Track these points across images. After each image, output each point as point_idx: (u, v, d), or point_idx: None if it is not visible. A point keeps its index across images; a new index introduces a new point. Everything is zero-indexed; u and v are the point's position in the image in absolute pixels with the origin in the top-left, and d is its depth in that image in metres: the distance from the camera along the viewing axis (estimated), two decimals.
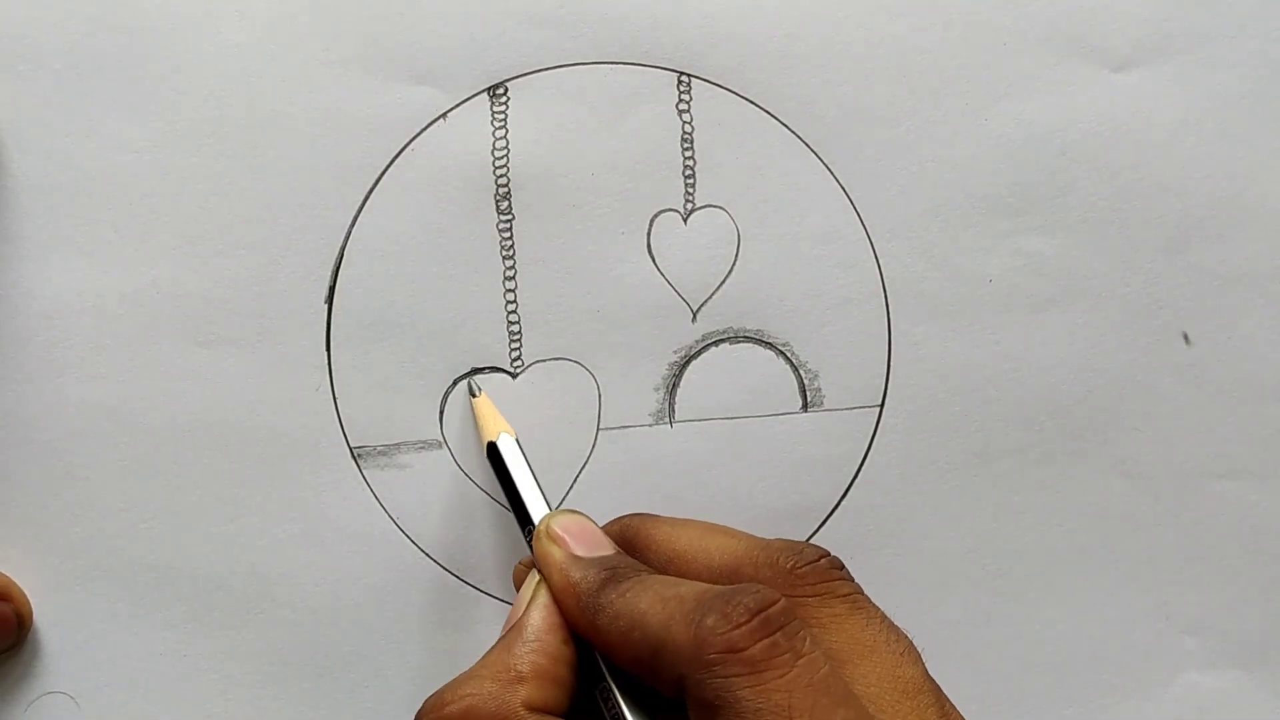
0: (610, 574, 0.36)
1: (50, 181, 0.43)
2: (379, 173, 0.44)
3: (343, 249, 0.44)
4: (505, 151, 0.44)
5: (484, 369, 0.45)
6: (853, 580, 0.36)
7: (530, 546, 0.39)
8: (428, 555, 0.44)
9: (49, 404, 0.43)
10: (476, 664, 0.36)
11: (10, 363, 0.43)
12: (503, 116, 0.44)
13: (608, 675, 0.36)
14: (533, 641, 0.36)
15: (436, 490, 0.44)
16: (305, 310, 0.44)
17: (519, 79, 0.44)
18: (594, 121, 0.45)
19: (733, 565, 0.37)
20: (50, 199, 0.43)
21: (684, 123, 0.45)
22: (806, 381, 0.45)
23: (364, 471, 0.44)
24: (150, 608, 0.44)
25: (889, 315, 0.46)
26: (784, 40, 0.45)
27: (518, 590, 0.39)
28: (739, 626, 0.32)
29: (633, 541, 0.39)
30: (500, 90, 0.44)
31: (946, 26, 0.45)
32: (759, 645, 0.32)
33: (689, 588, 0.34)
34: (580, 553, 0.37)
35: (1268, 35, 0.46)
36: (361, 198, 0.44)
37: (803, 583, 0.35)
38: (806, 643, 0.32)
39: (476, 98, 0.44)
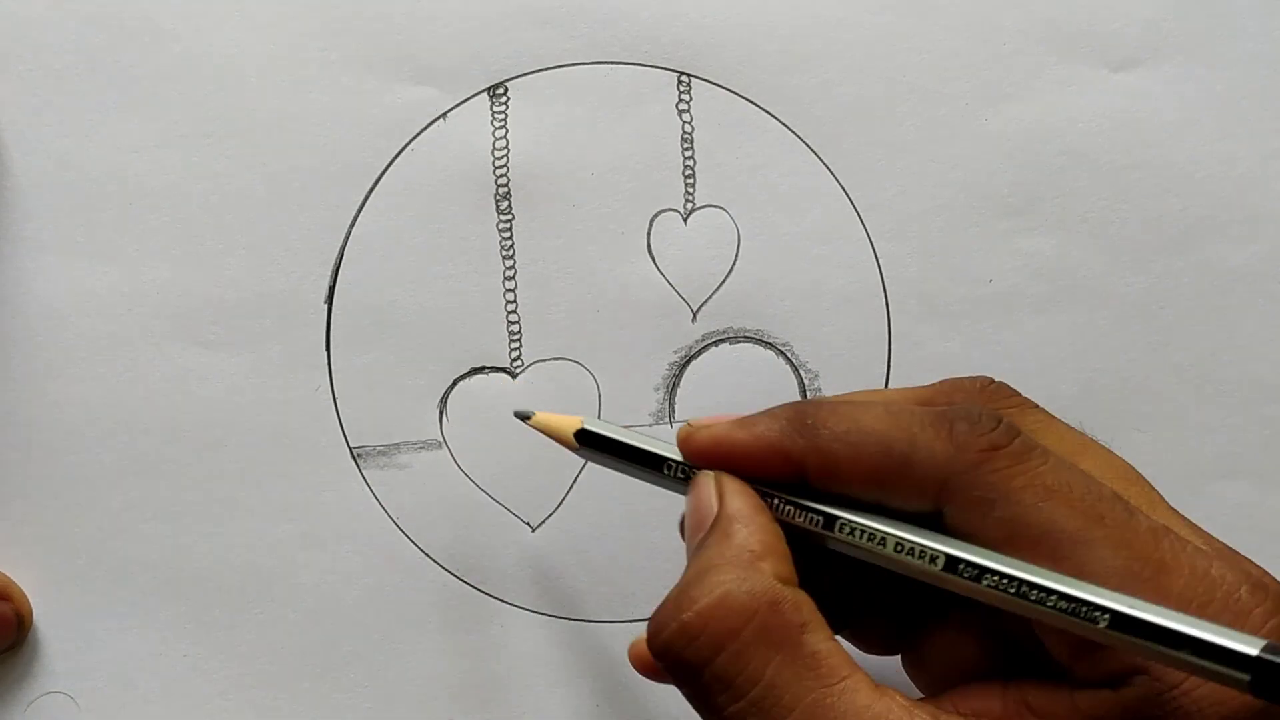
0: (798, 405, 0.35)
1: (50, 181, 0.43)
2: (379, 173, 0.44)
3: (343, 249, 0.44)
4: (505, 151, 0.44)
5: (484, 369, 0.45)
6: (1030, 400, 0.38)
7: (679, 476, 0.37)
8: (428, 555, 0.44)
9: (49, 404, 0.43)
10: (696, 562, 0.34)
11: (10, 363, 0.43)
12: (503, 116, 0.44)
13: (840, 511, 0.34)
14: (749, 522, 0.34)
15: (436, 490, 0.44)
16: (305, 310, 0.44)
17: (519, 79, 0.44)
18: (594, 121, 0.45)
19: (927, 402, 0.37)
20: (50, 199, 0.43)
21: (684, 123, 0.45)
22: (806, 381, 0.45)
23: (364, 471, 0.44)
24: (150, 608, 0.44)
25: (889, 315, 0.46)
26: (784, 40, 0.45)
27: (691, 516, 0.36)
28: (992, 430, 0.33)
29: (807, 422, 0.36)
30: (500, 90, 0.44)
31: (946, 26, 0.45)
32: (1016, 442, 0.33)
33: (914, 405, 0.35)
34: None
35: (1268, 35, 0.46)
36: (361, 198, 0.44)
37: (997, 399, 0.37)
38: (1044, 441, 0.34)
39: (476, 98, 0.44)
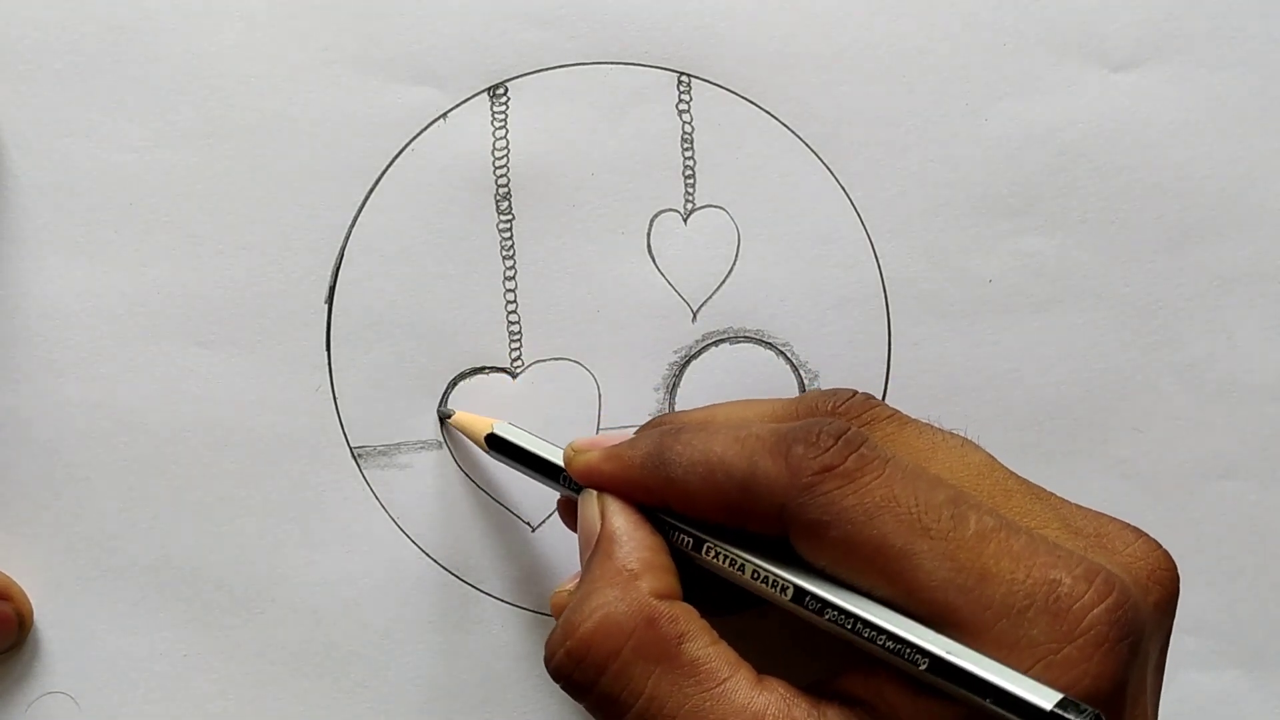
0: (661, 434, 0.37)
1: (50, 181, 0.43)
2: (379, 173, 0.44)
3: (343, 249, 0.44)
4: (505, 151, 0.44)
5: (484, 369, 0.45)
6: (888, 405, 0.38)
7: (572, 488, 0.39)
8: (428, 555, 0.44)
9: (49, 404, 0.43)
10: (582, 584, 0.36)
11: (10, 363, 0.43)
12: (503, 116, 0.44)
13: (699, 532, 0.36)
14: (627, 541, 0.36)
15: (436, 490, 0.44)
16: (305, 310, 0.44)
17: (519, 79, 0.44)
18: (594, 121, 0.45)
19: (782, 419, 0.38)
20: (50, 199, 0.43)
21: (684, 123, 0.45)
22: (806, 382, 0.45)
23: (364, 471, 0.44)
24: (150, 608, 0.44)
25: (889, 315, 0.46)
26: (784, 40, 0.45)
27: (575, 525, 0.39)
28: (827, 450, 0.34)
29: (663, 455, 0.38)
30: (500, 90, 0.44)
31: (946, 26, 0.45)
32: (850, 460, 0.34)
33: (759, 427, 0.36)
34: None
35: (1268, 35, 0.46)
36: (361, 198, 0.44)
37: (848, 416, 0.37)
38: (888, 451, 0.34)
39: (476, 98, 0.44)
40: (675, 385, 0.45)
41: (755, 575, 0.35)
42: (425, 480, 0.44)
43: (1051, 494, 0.36)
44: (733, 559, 0.36)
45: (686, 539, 0.37)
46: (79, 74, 0.43)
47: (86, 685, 0.44)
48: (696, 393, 0.45)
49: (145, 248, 0.43)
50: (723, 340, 0.45)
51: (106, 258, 0.43)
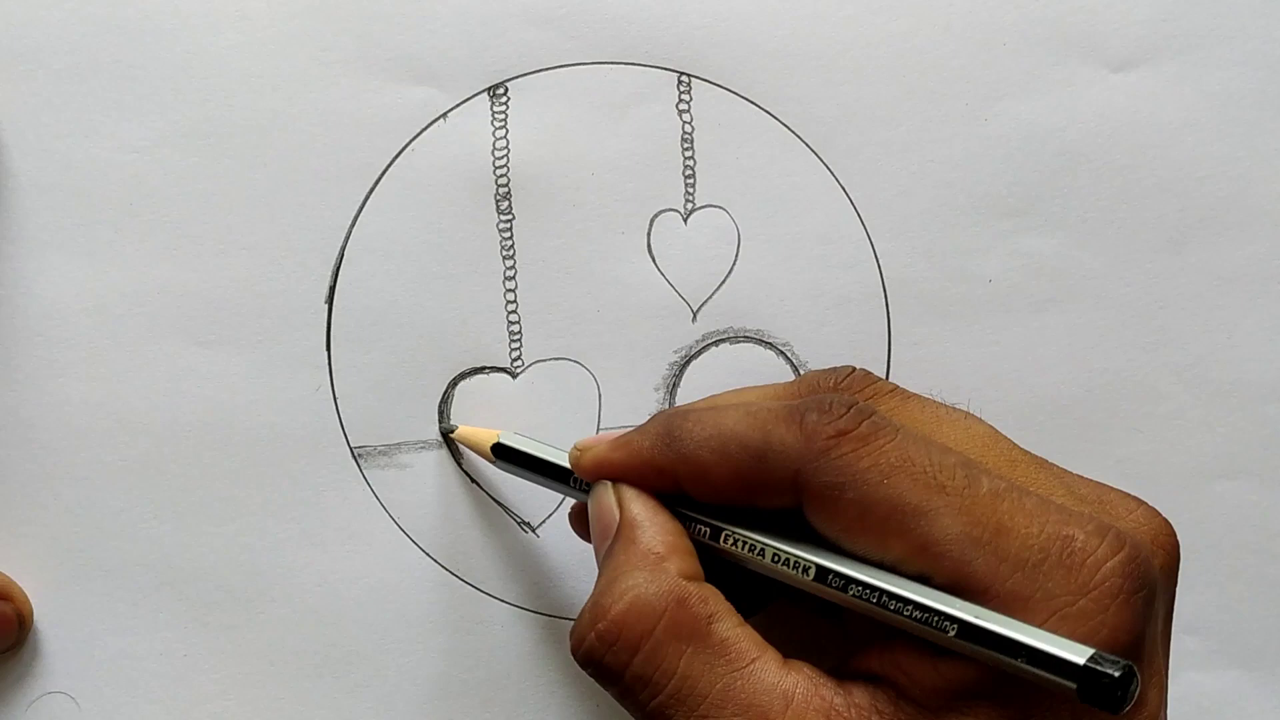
0: (669, 416, 0.37)
1: (50, 181, 0.43)
2: (379, 173, 0.44)
3: (343, 249, 0.44)
4: (505, 151, 0.44)
5: (484, 369, 0.45)
6: (889, 381, 0.39)
7: (583, 489, 0.39)
8: (428, 555, 0.44)
9: (49, 404, 0.43)
10: (606, 570, 0.36)
11: (10, 363, 0.43)
12: (503, 116, 0.44)
13: (715, 519, 0.37)
14: (649, 525, 0.37)
15: (436, 490, 0.44)
16: (305, 310, 0.44)
17: (519, 79, 0.44)
18: (594, 121, 0.45)
19: (788, 398, 0.38)
20: (50, 199, 0.43)
21: (684, 123, 0.45)
22: None
23: (364, 471, 0.44)
24: (150, 608, 0.44)
25: (889, 315, 0.46)
26: (784, 40, 0.45)
27: (587, 531, 0.39)
28: (841, 416, 0.34)
29: (673, 434, 0.38)
30: (500, 90, 0.44)
31: (946, 26, 0.45)
32: (863, 425, 0.34)
33: (771, 401, 0.36)
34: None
35: (1268, 35, 0.46)
36: (361, 198, 0.44)
37: (851, 391, 0.38)
38: (897, 421, 0.35)
39: (476, 98, 0.44)
40: (675, 385, 0.45)
41: (776, 558, 0.35)
42: (425, 480, 0.44)
43: (1054, 464, 0.37)
44: (752, 544, 0.36)
45: (704, 529, 0.37)
46: (79, 74, 0.43)
47: (86, 685, 0.44)
48: (696, 393, 0.45)
49: (145, 248, 0.43)
50: (723, 340, 0.45)
51: (106, 258, 0.43)
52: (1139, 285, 0.46)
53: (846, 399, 0.35)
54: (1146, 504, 0.36)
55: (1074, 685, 0.31)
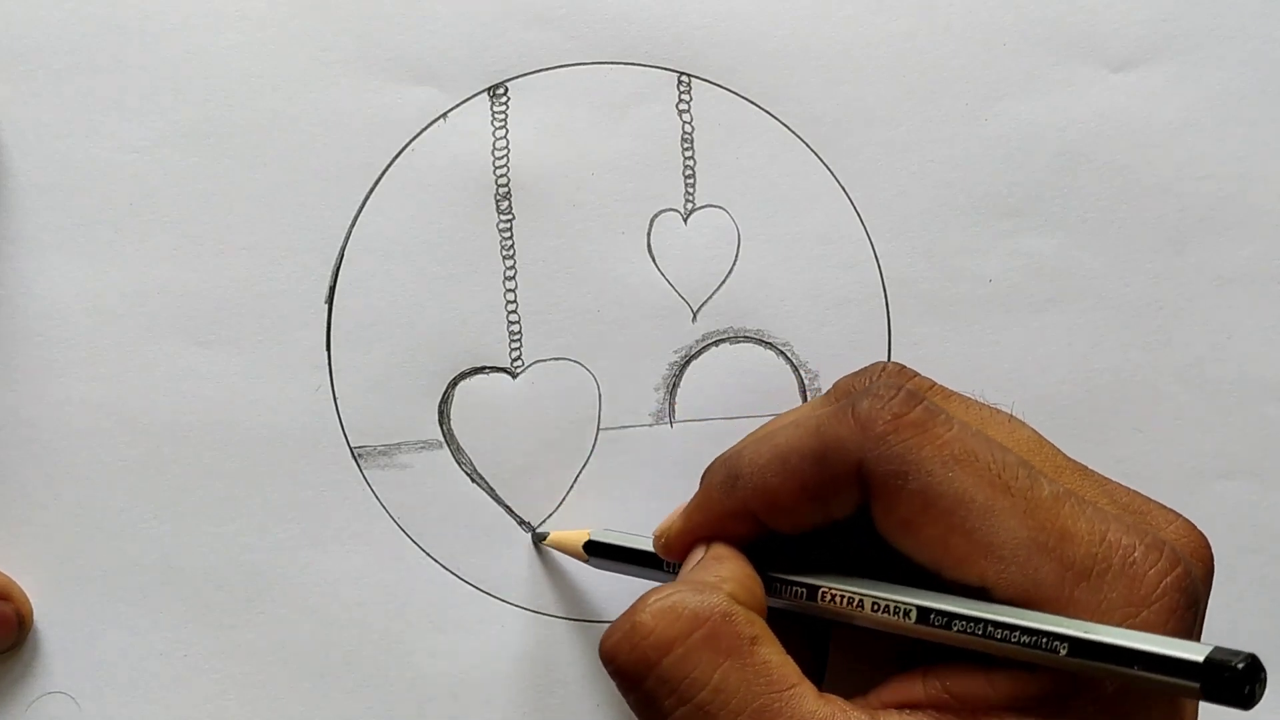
0: (723, 462, 0.37)
1: (50, 181, 0.43)
2: (379, 173, 0.44)
3: (343, 249, 0.44)
4: (505, 151, 0.44)
5: (484, 369, 0.45)
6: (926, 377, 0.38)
7: (669, 569, 0.39)
8: (428, 555, 0.44)
9: (49, 404, 0.43)
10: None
11: (10, 363, 0.43)
12: (503, 116, 0.44)
13: (811, 580, 0.36)
14: (725, 561, 0.36)
15: (436, 490, 0.44)
16: (305, 310, 0.44)
17: (519, 79, 0.44)
18: (594, 121, 0.45)
19: (831, 403, 0.38)
20: (50, 199, 0.43)
21: (684, 123, 0.45)
22: (806, 381, 0.45)
23: (364, 471, 0.44)
24: (150, 608, 0.44)
25: (889, 315, 0.46)
26: (784, 40, 0.45)
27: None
28: (892, 399, 0.34)
29: (733, 474, 0.38)
30: (500, 90, 0.44)
31: (946, 26, 0.45)
32: (917, 410, 0.34)
33: (814, 410, 0.36)
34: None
35: (1268, 35, 0.46)
36: (361, 198, 0.44)
37: (896, 378, 0.37)
38: (949, 409, 0.34)
39: (476, 98, 0.44)
40: (675, 385, 0.45)
41: (875, 607, 0.35)
42: (425, 480, 0.44)
43: (1096, 472, 0.36)
44: (850, 597, 0.35)
45: (800, 590, 0.36)
46: (79, 74, 0.43)
47: (86, 685, 0.44)
48: (696, 393, 0.45)
49: (145, 248, 0.43)
50: (723, 340, 0.45)
51: (106, 258, 0.43)
52: (1139, 285, 0.46)
53: (895, 382, 0.35)
54: (1184, 517, 0.35)
55: (1197, 685, 0.30)
